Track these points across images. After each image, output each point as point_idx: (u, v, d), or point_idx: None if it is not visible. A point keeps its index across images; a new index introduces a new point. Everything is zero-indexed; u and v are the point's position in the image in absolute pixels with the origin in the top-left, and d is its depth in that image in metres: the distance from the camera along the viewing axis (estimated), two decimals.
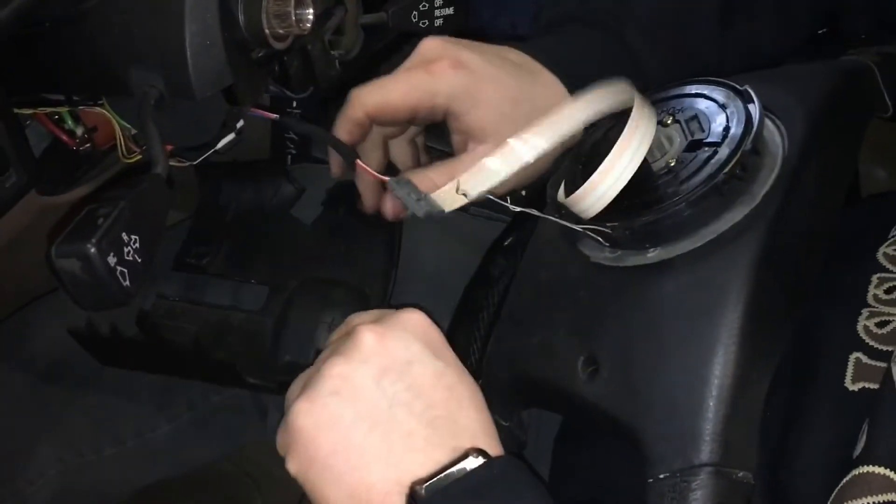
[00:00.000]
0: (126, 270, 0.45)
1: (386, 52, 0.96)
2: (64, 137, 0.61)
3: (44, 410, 0.76)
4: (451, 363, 0.47)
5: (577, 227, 0.47)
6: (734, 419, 0.42)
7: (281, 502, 0.93)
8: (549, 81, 0.61)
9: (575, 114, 0.48)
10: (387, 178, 0.58)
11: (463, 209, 0.85)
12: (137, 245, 0.46)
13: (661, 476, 0.42)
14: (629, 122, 0.46)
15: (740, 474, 0.42)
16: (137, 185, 0.47)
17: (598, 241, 0.48)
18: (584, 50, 0.63)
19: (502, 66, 0.60)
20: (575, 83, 0.59)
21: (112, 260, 0.44)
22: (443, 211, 0.51)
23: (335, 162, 0.65)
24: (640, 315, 0.46)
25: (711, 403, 0.42)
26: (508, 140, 0.48)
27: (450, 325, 0.64)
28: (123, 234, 0.45)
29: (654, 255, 0.47)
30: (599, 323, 0.48)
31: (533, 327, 0.51)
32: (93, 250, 0.43)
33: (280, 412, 0.76)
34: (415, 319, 0.48)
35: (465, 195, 0.50)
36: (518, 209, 0.48)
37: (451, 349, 0.48)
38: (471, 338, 0.61)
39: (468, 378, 0.47)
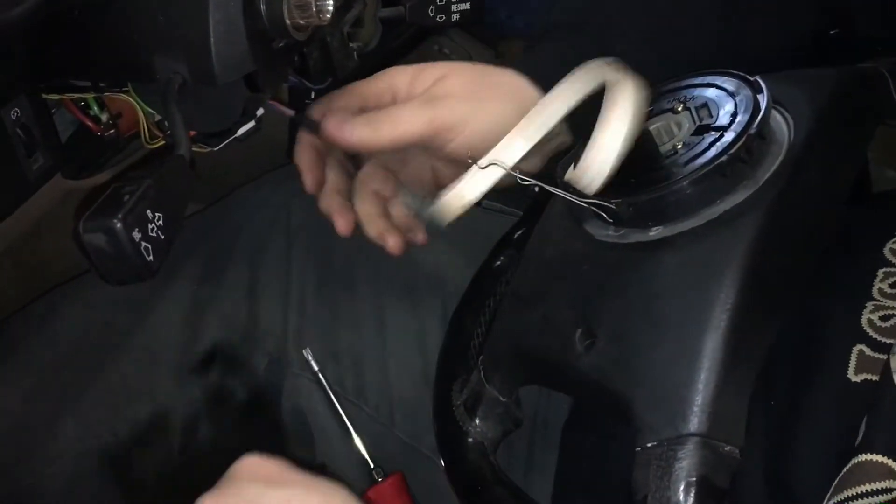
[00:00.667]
0: (150, 246, 0.47)
1: (403, 48, 0.98)
2: (89, 123, 0.63)
3: (64, 393, 0.78)
4: (298, 484, 0.47)
5: (583, 202, 0.48)
6: (724, 393, 0.43)
7: None
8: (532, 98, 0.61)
9: (549, 108, 0.50)
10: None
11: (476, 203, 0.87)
12: (161, 222, 0.48)
13: (649, 445, 0.44)
14: (607, 96, 0.48)
15: (727, 448, 0.43)
16: (162, 166, 0.49)
17: (603, 216, 0.49)
18: (568, 61, 0.65)
19: (485, 93, 0.61)
20: None
21: (136, 235, 0.46)
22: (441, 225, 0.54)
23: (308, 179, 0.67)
24: (638, 289, 0.48)
25: (702, 376, 0.43)
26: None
27: (455, 310, 0.66)
28: (148, 211, 0.47)
29: (656, 232, 0.49)
30: (599, 297, 0.49)
31: (534, 302, 0.53)
32: (118, 225, 0.45)
33: (293, 397, 0.78)
34: (245, 465, 0.48)
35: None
36: (528, 181, 0.50)
37: (297, 471, 0.47)
38: (476, 323, 0.63)
39: (324, 487, 0.47)
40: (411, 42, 0.99)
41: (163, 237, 0.48)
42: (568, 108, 0.51)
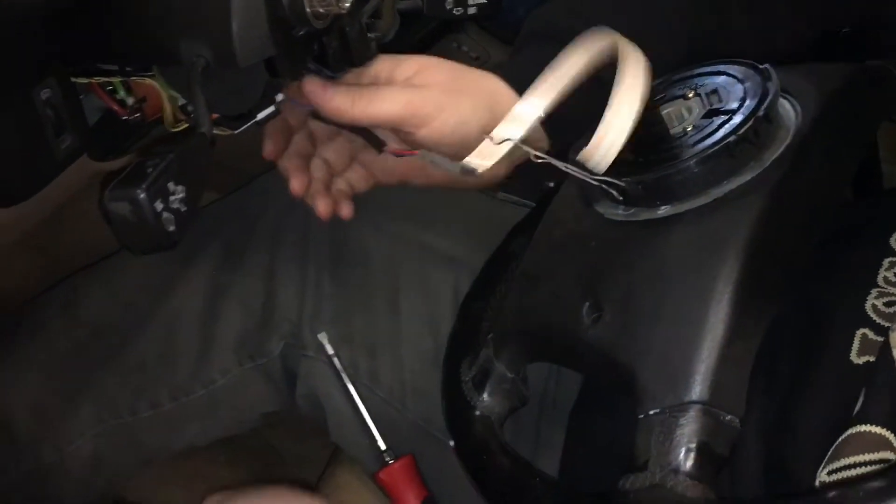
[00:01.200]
0: (172, 217, 0.49)
1: (422, 44, 0.99)
2: (115, 107, 0.65)
3: (86, 373, 0.80)
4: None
5: (593, 180, 0.49)
6: (726, 364, 0.45)
7: (303, 477, 0.96)
8: (508, 99, 0.63)
9: (569, 64, 0.51)
10: (417, 152, 0.61)
11: (491, 195, 0.89)
12: (183, 195, 0.50)
13: (651, 412, 0.45)
14: (619, 74, 0.49)
15: (728, 417, 0.44)
16: (184, 142, 0.51)
17: (613, 195, 0.50)
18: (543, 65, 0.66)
19: (461, 89, 0.63)
20: None
21: (159, 206, 0.48)
22: (475, 170, 0.54)
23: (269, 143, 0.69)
24: (645, 264, 0.49)
25: (705, 346, 0.44)
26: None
27: (467, 294, 0.67)
28: (170, 183, 0.49)
29: (664, 210, 0.50)
30: (607, 271, 0.50)
31: (543, 279, 0.54)
32: (142, 195, 0.47)
33: (307, 380, 0.79)
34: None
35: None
36: (542, 158, 0.51)
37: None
38: (486, 305, 0.64)
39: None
40: (430, 38, 1.00)
41: (184, 210, 0.50)
42: (579, 68, 0.52)
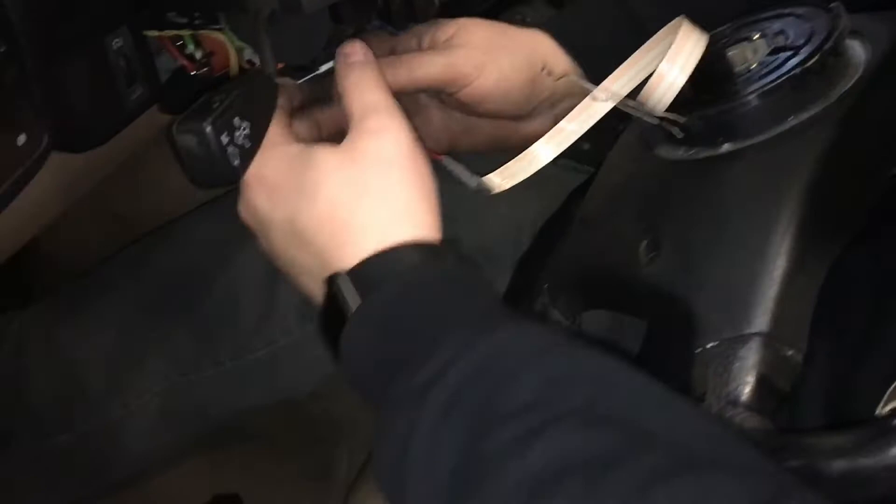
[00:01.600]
0: (237, 151, 0.50)
1: (487, 15, 0.99)
2: (184, 62, 0.66)
3: (153, 331, 0.81)
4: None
5: (654, 118, 0.49)
6: (788, 297, 0.44)
7: (361, 448, 0.96)
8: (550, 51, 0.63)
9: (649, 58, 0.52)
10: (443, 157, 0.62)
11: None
12: (248, 131, 0.51)
13: (709, 345, 0.44)
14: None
15: (789, 352, 0.44)
16: (250, 80, 0.52)
17: (674, 132, 0.50)
18: (590, 19, 0.65)
19: (501, 45, 0.63)
20: (581, 53, 0.62)
21: (225, 139, 0.49)
22: (490, 190, 0.55)
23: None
24: (706, 199, 0.48)
25: (766, 278, 0.44)
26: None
27: (523, 254, 0.67)
28: (236, 118, 0.50)
29: (726, 148, 0.49)
30: (666, 209, 0.50)
31: (601, 223, 0.54)
32: (209, 128, 0.48)
33: None
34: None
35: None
36: (602, 98, 0.51)
37: None
38: (542, 265, 0.63)
39: None
40: (494, 10, 1.00)
41: (249, 146, 0.51)
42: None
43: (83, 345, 0.81)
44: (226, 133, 0.49)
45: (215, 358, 0.81)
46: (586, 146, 0.81)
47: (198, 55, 0.67)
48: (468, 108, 0.64)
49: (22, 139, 0.48)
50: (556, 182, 0.77)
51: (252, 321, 0.81)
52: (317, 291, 0.53)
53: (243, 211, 0.56)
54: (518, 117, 0.65)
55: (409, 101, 0.66)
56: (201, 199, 0.86)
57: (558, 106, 0.64)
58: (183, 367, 0.81)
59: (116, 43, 0.60)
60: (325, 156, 0.52)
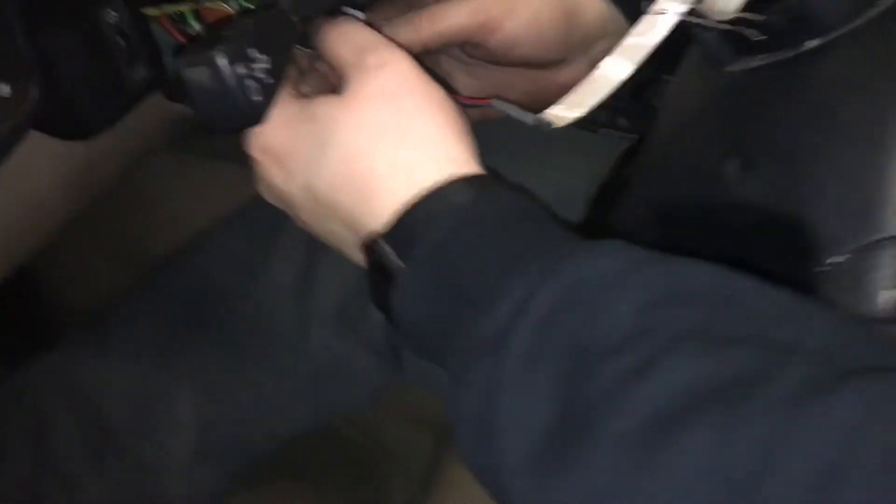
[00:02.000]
0: (258, 86, 0.43)
1: None
2: (184, 41, 0.61)
3: (180, 362, 0.75)
4: None
5: (724, 24, 0.43)
6: None
7: (415, 477, 0.88)
8: None
9: None
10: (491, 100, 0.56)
11: (591, 129, 0.82)
12: (267, 65, 0.44)
13: (832, 260, 0.38)
14: None
15: None
16: (262, 11, 0.46)
17: (748, 38, 0.44)
18: None
19: None
20: None
21: (241, 70, 0.43)
22: (550, 124, 0.48)
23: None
24: (800, 103, 0.42)
25: (893, 173, 0.38)
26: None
27: (578, 225, 0.61)
28: (251, 49, 0.44)
29: (811, 44, 0.43)
30: (753, 122, 0.44)
31: (675, 153, 0.48)
32: (221, 58, 0.42)
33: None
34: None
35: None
36: (661, 12, 0.44)
37: None
38: (600, 231, 0.58)
39: None
40: None
41: (270, 81, 0.44)
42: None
43: (107, 389, 0.75)
44: (242, 64, 0.43)
45: (251, 380, 0.74)
46: (623, 121, 0.76)
47: (197, 27, 0.61)
48: (499, 58, 0.59)
49: (6, 90, 0.42)
50: (603, 149, 0.72)
51: (288, 337, 0.75)
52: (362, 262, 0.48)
53: (262, 191, 0.51)
54: (552, 64, 0.60)
55: (432, 66, 0.62)
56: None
57: (594, 48, 0.59)
58: (217, 396, 0.74)
59: (111, 17, 0.55)
60: (327, 107, 0.46)
